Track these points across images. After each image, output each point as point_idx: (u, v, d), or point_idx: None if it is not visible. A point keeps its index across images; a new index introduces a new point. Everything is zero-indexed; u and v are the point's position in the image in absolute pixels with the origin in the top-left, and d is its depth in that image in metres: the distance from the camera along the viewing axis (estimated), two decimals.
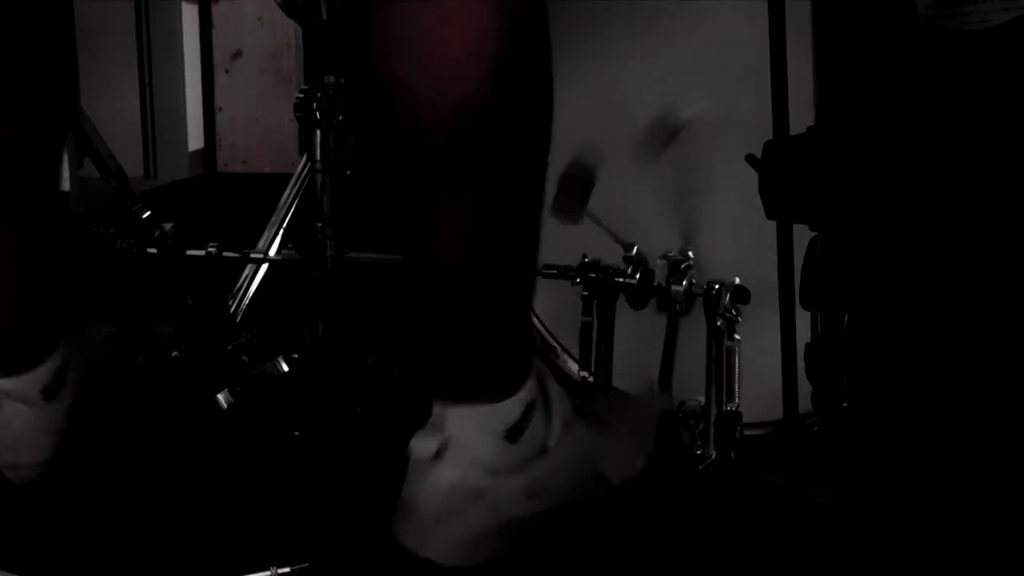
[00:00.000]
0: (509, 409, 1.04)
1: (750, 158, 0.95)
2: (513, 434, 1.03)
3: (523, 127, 0.99)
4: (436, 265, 1.02)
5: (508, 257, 1.02)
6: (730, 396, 1.29)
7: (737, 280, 1.30)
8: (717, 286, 1.29)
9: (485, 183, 0.98)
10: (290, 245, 1.41)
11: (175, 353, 1.42)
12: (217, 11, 3.13)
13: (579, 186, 1.35)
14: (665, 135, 1.35)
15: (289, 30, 3.03)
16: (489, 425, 1.03)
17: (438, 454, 1.02)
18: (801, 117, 0.93)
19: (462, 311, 1.03)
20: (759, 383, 1.25)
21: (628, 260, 1.33)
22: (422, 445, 1.03)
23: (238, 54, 3.13)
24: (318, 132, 1.37)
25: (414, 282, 1.04)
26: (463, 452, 1.02)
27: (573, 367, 1.43)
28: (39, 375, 1.19)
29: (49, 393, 1.19)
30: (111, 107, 2.89)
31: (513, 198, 1.00)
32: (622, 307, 1.35)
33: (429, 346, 1.07)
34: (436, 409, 1.04)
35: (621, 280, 1.33)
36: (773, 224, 0.95)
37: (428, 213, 1.00)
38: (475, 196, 0.98)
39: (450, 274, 1.01)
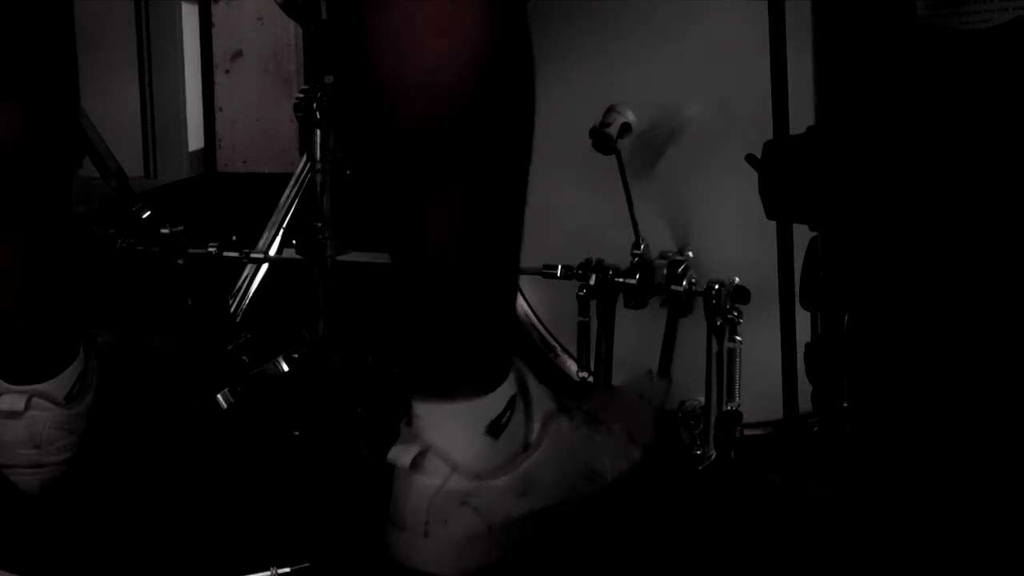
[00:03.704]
0: (491, 404, 1.04)
1: (750, 158, 0.95)
2: (495, 429, 1.03)
3: (506, 122, 1.00)
4: (420, 259, 1.02)
5: (492, 251, 1.03)
6: (730, 396, 1.29)
7: (737, 280, 1.30)
8: (717, 286, 1.29)
9: (469, 177, 0.98)
10: (294, 242, 1.41)
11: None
12: (217, 11, 3.13)
13: None
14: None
15: (289, 30, 3.04)
16: (470, 423, 1.03)
17: (417, 463, 1.02)
18: (801, 117, 0.93)
19: (445, 306, 1.03)
20: (759, 383, 1.25)
21: (635, 256, 1.33)
22: (400, 456, 1.02)
23: (238, 54, 3.13)
24: (318, 132, 1.37)
25: (398, 277, 1.05)
26: (442, 459, 1.01)
27: (573, 367, 1.43)
28: (65, 380, 1.21)
29: (73, 397, 1.20)
30: (111, 107, 2.89)
31: (497, 192, 1.01)
32: (622, 307, 1.35)
33: (411, 342, 1.07)
34: (415, 410, 1.04)
35: (621, 280, 1.33)
36: (773, 224, 0.95)
37: (413, 208, 1.00)
38: (460, 190, 0.98)
39: (434, 268, 1.01)
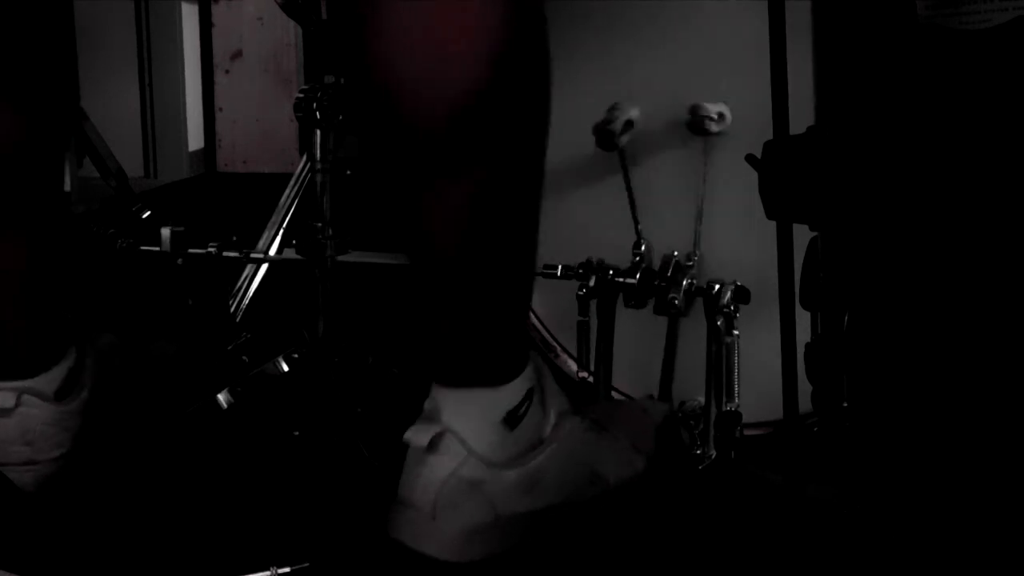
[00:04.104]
0: (509, 394, 1.04)
1: (750, 158, 0.95)
2: (512, 420, 1.03)
3: (520, 119, 1.00)
4: (435, 252, 1.02)
5: (506, 245, 1.03)
6: (730, 396, 1.29)
7: (737, 280, 1.30)
8: (717, 286, 1.29)
9: (480, 174, 0.98)
10: (294, 242, 1.41)
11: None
12: (217, 11, 3.13)
13: None
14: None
15: (289, 30, 3.04)
16: (488, 411, 1.03)
17: (433, 445, 1.02)
18: (801, 117, 0.93)
19: (464, 295, 1.03)
20: (759, 383, 1.25)
21: (636, 255, 1.33)
22: (418, 435, 1.03)
23: (238, 54, 3.13)
24: (318, 132, 1.37)
25: (414, 267, 1.05)
26: (459, 443, 1.02)
27: (573, 367, 1.43)
28: (55, 375, 1.20)
29: (64, 392, 1.20)
30: (111, 107, 2.89)
31: (510, 189, 1.01)
32: (622, 307, 1.35)
33: (431, 329, 1.07)
34: (433, 394, 1.04)
35: (621, 280, 1.33)
36: (773, 224, 0.95)
37: (423, 205, 1.00)
38: (471, 188, 0.98)
39: (449, 260, 1.01)
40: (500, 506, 1.03)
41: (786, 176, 0.92)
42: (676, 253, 1.34)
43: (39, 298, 1.20)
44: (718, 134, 1.34)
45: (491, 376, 1.04)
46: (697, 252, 1.35)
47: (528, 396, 1.05)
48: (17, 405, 1.17)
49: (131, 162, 2.60)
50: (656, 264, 1.33)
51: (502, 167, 0.99)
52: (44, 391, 1.19)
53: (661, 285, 1.32)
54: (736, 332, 1.28)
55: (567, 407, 1.10)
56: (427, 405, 1.05)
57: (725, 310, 1.28)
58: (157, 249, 1.48)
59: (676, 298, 1.30)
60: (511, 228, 1.03)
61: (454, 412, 1.03)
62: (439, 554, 1.02)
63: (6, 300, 1.19)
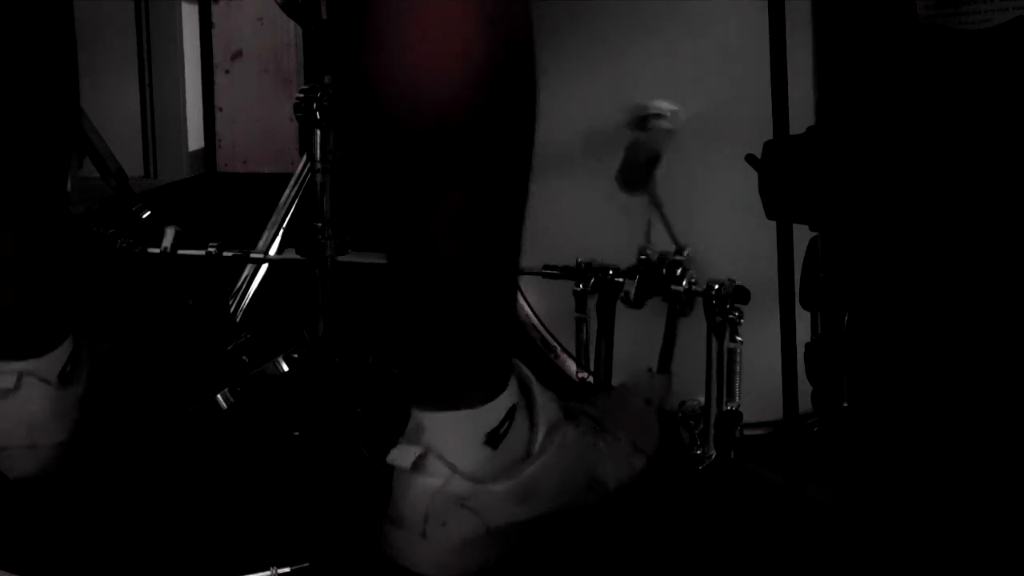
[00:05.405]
0: (488, 415, 1.04)
1: (750, 158, 0.95)
2: (493, 440, 1.03)
3: (507, 130, 1.00)
4: (416, 265, 1.02)
5: (489, 259, 1.02)
6: (730, 396, 1.29)
7: (737, 280, 1.30)
8: (717, 286, 1.29)
9: (467, 185, 0.98)
10: (294, 242, 1.41)
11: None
12: (217, 11, 3.13)
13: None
14: (642, 167, 1.36)
15: (289, 30, 3.04)
16: (468, 432, 1.03)
17: (418, 465, 1.02)
18: (801, 117, 0.93)
19: (441, 314, 1.03)
20: (759, 383, 1.25)
21: (640, 256, 1.33)
22: (401, 456, 1.03)
23: (238, 54, 3.13)
24: (318, 132, 1.37)
25: (395, 283, 1.05)
26: (442, 461, 1.02)
27: (573, 367, 1.43)
28: (56, 358, 1.20)
29: (65, 378, 1.20)
30: (111, 107, 2.89)
31: (496, 200, 1.01)
32: (622, 307, 1.35)
33: (408, 350, 1.07)
34: (414, 416, 1.04)
35: (621, 280, 1.33)
36: (773, 224, 0.95)
37: (410, 213, 1.00)
38: (457, 197, 0.98)
39: (430, 275, 1.01)
40: (491, 518, 1.02)
41: (786, 176, 0.92)
42: (673, 251, 1.35)
43: (34, 285, 1.20)
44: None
45: (472, 396, 1.03)
46: (696, 252, 1.35)
47: (509, 415, 1.04)
48: (17, 387, 1.17)
49: (131, 162, 2.60)
50: (655, 264, 1.33)
51: (490, 173, 0.99)
52: (45, 374, 1.19)
53: (662, 283, 1.32)
54: (740, 339, 1.28)
55: (559, 416, 1.09)
56: (409, 426, 1.04)
57: (730, 316, 1.28)
58: (157, 250, 1.48)
59: (679, 287, 1.31)
60: (495, 240, 1.02)
61: (435, 433, 1.03)
62: (433, 572, 1.02)
63: (5, 280, 1.18)
